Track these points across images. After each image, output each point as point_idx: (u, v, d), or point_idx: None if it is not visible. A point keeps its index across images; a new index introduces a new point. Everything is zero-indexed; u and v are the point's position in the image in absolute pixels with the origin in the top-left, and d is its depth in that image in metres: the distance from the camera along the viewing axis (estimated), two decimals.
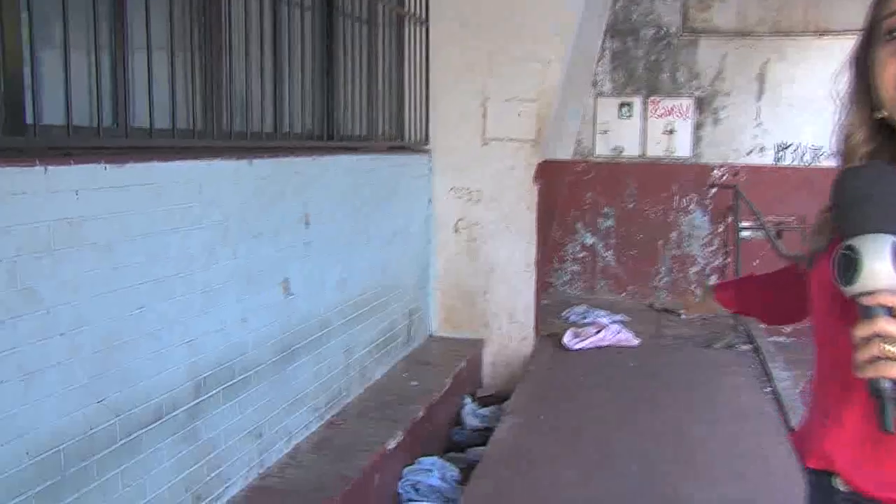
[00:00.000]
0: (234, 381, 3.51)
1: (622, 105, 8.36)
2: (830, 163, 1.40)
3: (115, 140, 2.84)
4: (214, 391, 3.36)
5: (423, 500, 4.35)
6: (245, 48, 3.75)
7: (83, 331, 2.59)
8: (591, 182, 8.44)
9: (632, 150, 8.34)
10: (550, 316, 7.26)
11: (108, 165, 2.66)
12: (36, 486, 2.41)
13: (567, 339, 6.37)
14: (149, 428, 2.92)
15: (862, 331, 1.11)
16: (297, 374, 4.11)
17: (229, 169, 3.45)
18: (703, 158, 8.25)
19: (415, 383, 5.24)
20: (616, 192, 8.42)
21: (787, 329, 8.07)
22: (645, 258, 8.42)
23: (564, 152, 8.22)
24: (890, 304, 1.11)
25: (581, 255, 8.56)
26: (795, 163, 8.08)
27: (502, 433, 4.79)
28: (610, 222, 8.47)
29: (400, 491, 4.39)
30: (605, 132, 8.37)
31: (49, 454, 2.46)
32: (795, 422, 4.91)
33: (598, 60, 8.33)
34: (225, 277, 3.44)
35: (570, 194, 8.30)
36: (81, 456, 2.59)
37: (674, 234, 8.35)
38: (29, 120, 2.54)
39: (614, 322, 6.76)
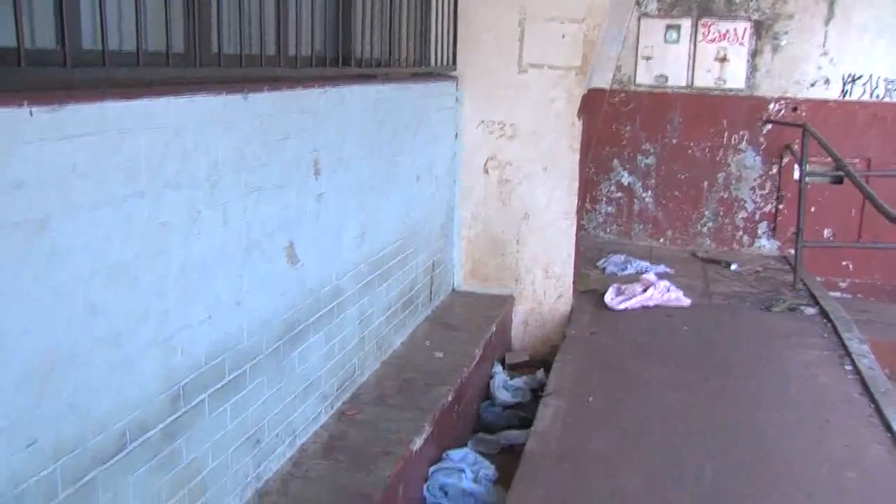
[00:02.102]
0: (225, 381, 2.73)
1: (669, 28, 7.37)
2: None
3: (47, 71, 1.98)
4: (198, 399, 2.58)
5: None
6: None
7: (2, 349, 1.79)
8: (631, 114, 7.54)
9: (678, 79, 7.40)
10: (585, 265, 6.46)
11: (34, 108, 1.82)
12: None
13: (610, 297, 5.59)
14: (108, 464, 2.15)
15: None
16: (304, 359, 3.34)
17: (217, 106, 2.61)
18: (758, 90, 7.31)
19: (439, 355, 4.47)
20: (658, 126, 7.51)
21: (844, 284, 7.32)
22: (687, 201, 7.57)
23: (601, 79, 7.31)
24: None
25: (617, 195, 7.71)
26: (865, 97, 7.16)
27: (545, 422, 4.04)
28: (650, 160, 7.59)
29: (426, 494, 3.66)
30: (649, 58, 7.42)
31: None
32: (890, 412, 4.16)
33: None
34: (213, 250, 2.63)
35: (607, 127, 7.40)
36: None
37: (721, 175, 7.48)
38: None
39: (662, 278, 5.95)
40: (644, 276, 5.92)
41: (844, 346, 5.05)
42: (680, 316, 5.56)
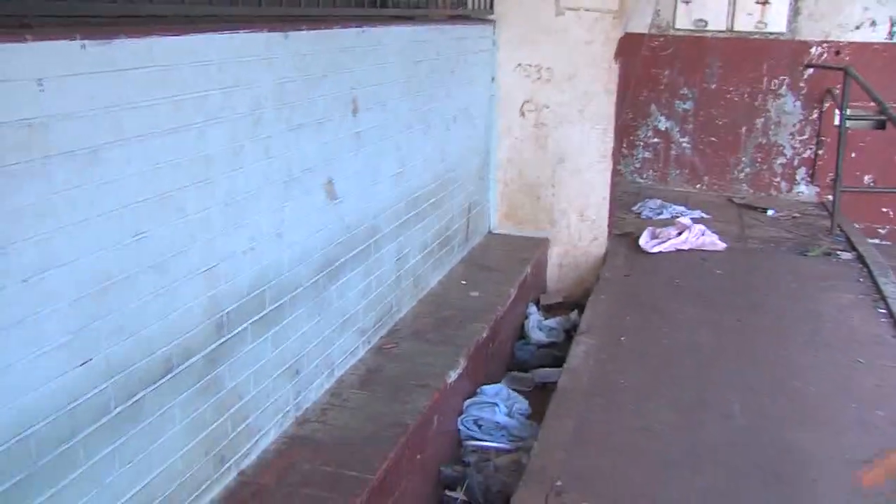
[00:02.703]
0: (266, 311, 2.83)
1: None
2: None
3: (96, 6, 2.05)
4: (241, 327, 2.69)
5: (486, 439, 3.74)
6: None
7: (55, 273, 1.89)
8: (669, 59, 7.46)
9: (718, 23, 7.29)
10: (621, 209, 6.48)
11: (86, 42, 1.90)
12: None
13: (644, 240, 5.62)
14: (154, 386, 2.26)
15: None
16: (343, 294, 3.43)
17: (259, 44, 2.67)
18: (800, 34, 7.18)
19: (475, 294, 4.55)
20: (697, 70, 7.42)
21: (884, 231, 7.26)
22: (725, 146, 7.51)
23: (639, 23, 7.25)
24: None
25: (653, 140, 7.66)
26: None
27: (578, 359, 4.11)
28: (688, 105, 7.52)
29: (461, 427, 3.77)
30: (688, 2, 7.32)
31: (12, 444, 1.80)
32: None
33: None
34: (255, 183, 2.71)
35: (645, 72, 7.34)
36: (60, 439, 1.93)
37: (760, 121, 7.39)
38: None
39: (696, 222, 5.95)
40: (679, 219, 5.93)
41: (879, 291, 5.05)
42: (714, 259, 5.57)
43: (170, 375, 2.32)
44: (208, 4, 2.50)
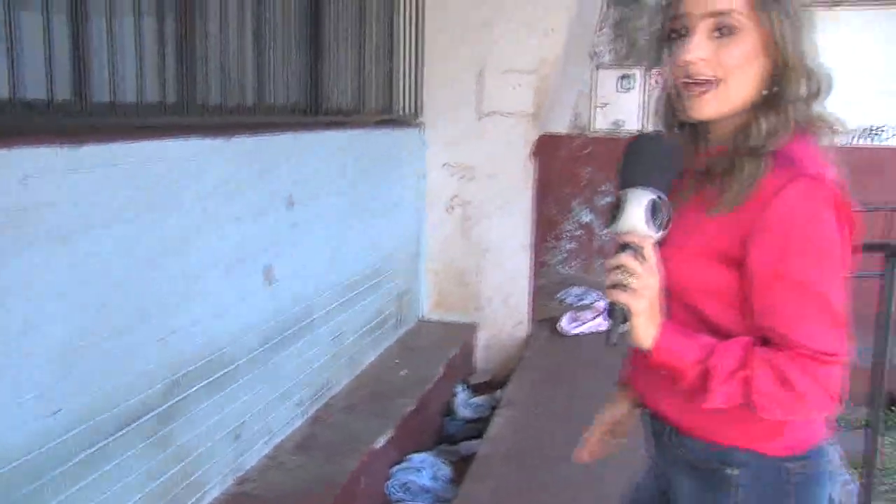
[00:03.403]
0: (212, 378, 3.23)
1: (622, 77, 8.02)
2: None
3: (72, 118, 2.52)
4: (189, 391, 3.07)
5: (413, 501, 4.10)
6: (224, 11, 3.41)
7: (35, 335, 2.29)
8: (589, 157, 8.11)
9: (632, 124, 8.01)
10: (546, 297, 6.98)
11: (61, 147, 2.35)
12: None
13: (564, 323, 6.10)
14: (114, 437, 2.64)
15: (612, 262, 1.38)
16: (282, 366, 3.83)
17: (206, 147, 3.14)
18: None
19: (405, 372, 4.96)
20: (615, 168, 8.05)
21: None
22: None
23: (560, 125, 7.92)
24: (636, 243, 1.36)
25: (577, 233, 8.25)
26: None
27: (498, 427, 4.53)
28: (608, 199, 8.15)
29: (389, 491, 4.13)
30: (605, 105, 8.03)
31: None
32: None
33: (598, 30, 7.98)
34: (203, 266, 3.14)
35: (567, 170, 7.98)
36: (32, 477, 2.30)
37: None
38: None
39: None
40: (596, 303, 6.44)
41: None
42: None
43: (128, 428, 2.70)
44: (163, 114, 2.97)
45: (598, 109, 8.05)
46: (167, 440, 2.94)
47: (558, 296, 7.22)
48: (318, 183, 4.16)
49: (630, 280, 1.35)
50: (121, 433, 2.67)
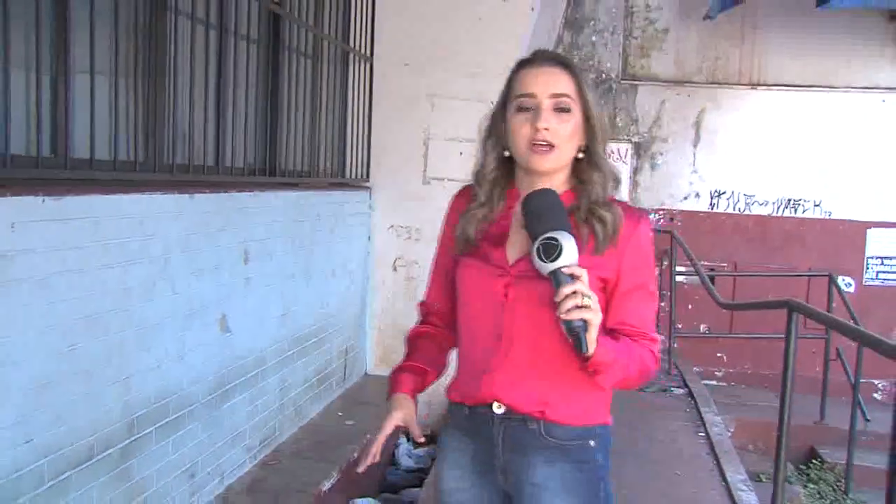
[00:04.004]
0: (169, 419, 3.44)
1: None
2: (763, 210, 1.85)
3: (54, 172, 2.78)
4: (148, 430, 3.28)
5: None
6: (189, 78, 3.71)
7: (13, 369, 2.51)
8: None
9: None
10: None
11: (46, 198, 2.60)
12: None
13: None
14: (79, 468, 2.84)
15: (568, 289, 1.65)
16: (233, 413, 4.04)
17: (170, 203, 3.40)
18: (640, 203, 8.39)
19: (350, 422, 5.18)
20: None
21: (720, 373, 8.25)
22: None
23: None
24: (578, 274, 1.68)
25: None
26: (729, 209, 8.28)
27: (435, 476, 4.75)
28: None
29: None
30: None
31: None
32: (729, 466, 4.99)
33: None
34: (163, 314, 3.37)
35: None
36: (9, 499, 2.49)
37: None
38: None
39: None
40: None
41: (702, 419, 5.91)
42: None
43: (91, 461, 2.90)
44: (134, 171, 3.23)
45: None
46: (128, 474, 3.14)
47: None
48: (272, 240, 4.43)
49: (587, 300, 1.66)
50: (87, 464, 2.87)
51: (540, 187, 1.84)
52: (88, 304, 2.87)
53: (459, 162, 6.11)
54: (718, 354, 8.30)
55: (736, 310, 5.82)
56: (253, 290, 4.21)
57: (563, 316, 1.67)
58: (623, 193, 8.40)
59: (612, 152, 8.41)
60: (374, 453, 2.03)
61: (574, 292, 1.66)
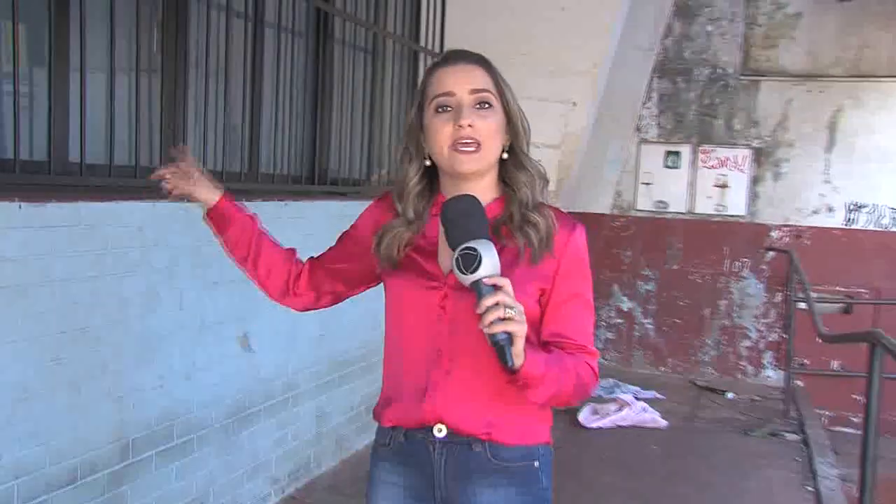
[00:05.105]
0: (173, 443, 3.61)
1: (669, 154, 8.40)
2: None
3: (35, 178, 3.00)
4: (147, 454, 3.46)
5: None
6: (216, 73, 3.91)
7: None
8: (631, 239, 8.47)
9: (678, 204, 8.37)
10: None
11: (22, 204, 2.81)
12: None
13: (584, 415, 6.37)
14: (59, 491, 3.03)
15: (489, 301, 1.70)
16: (254, 440, 4.20)
17: (178, 210, 3.59)
18: (759, 217, 8.23)
19: None
20: (658, 251, 8.43)
21: (856, 419, 7.97)
22: (689, 328, 8.39)
23: (601, 204, 8.31)
24: (501, 284, 1.73)
25: (616, 321, 8.56)
26: (871, 226, 8.01)
27: None
28: (650, 286, 8.47)
29: None
30: (649, 184, 8.41)
31: None
32: None
33: (644, 102, 8.41)
34: (167, 328, 3.56)
35: (606, 252, 8.34)
36: None
37: (723, 302, 8.31)
38: None
39: (640, 399, 6.74)
40: (620, 395, 6.70)
41: (812, 470, 5.75)
42: (654, 435, 6.31)
43: (74, 484, 3.09)
44: (133, 177, 3.44)
45: (641, 187, 8.42)
46: (119, 501, 3.33)
47: None
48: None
49: (511, 312, 1.71)
50: (68, 487, 3.07)
51: (465, 193, 1.90)
52: (77, 316, 3.07)
53: None
54: (855, 397, 8.02)
55: (828, 342, 5.66)
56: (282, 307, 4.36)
57: (485, 329, 1.73)
58: (740, 206, 8.26)
59: (728, 159, 8.29)
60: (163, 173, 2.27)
61: (496, 304, 1.71)
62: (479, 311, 1.73)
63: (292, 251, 2.47)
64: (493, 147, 1.97)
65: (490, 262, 1.76)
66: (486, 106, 1.96)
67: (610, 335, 8.58)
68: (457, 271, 1.78)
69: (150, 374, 3.47)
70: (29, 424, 2.90)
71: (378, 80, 5.64)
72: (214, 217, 2.36)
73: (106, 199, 3.20)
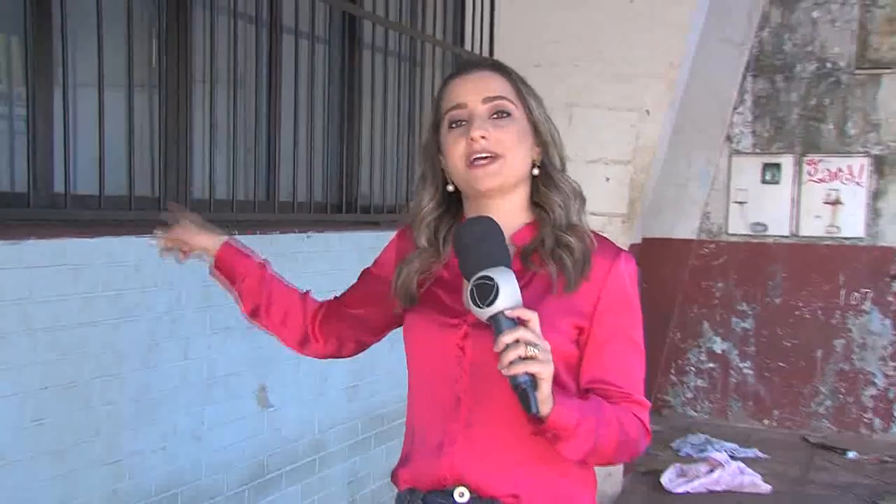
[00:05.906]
0: None
1: (767, 167, 8.33)
2: None
3: (13, 212, 3.10)
4: None
5: None
6: (213, 85, 3.99)
7: None
8: (723, 268, 8.40)
9: (779, 226, 8.28)
10: (658, 445, 7.22)
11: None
12: None
13: (668, 478, 6.33)
14: None
15: (508, 337, 1.70)
16: None
17: None
18: (883, 239, 8.09)
19: None
20: (757, 282, 8.35)
21: None
22: (797, 373, 8.28)
23: (686, 228, 8.27)
24: (525, 317, 1.73)
25: (708, 365, 8.48)
26: None
27: None
28: (748, 323, 8.38)
29: None
30: (743, 203, 8.35)
31: None
32: None
33: (735, 107, 8.36)
34: (175, 381, 3.64)
35: (694, 284, 8.29)
36: None
37: (839, 342, 8.19)
38: None
39: (737, 458, 6.67)
40: (712, 454, 6.64)
41: None
42: (754, 503, 6.23)
43: None
44: (128, 209, 3.54)
45: (734, 207, 8.37)
46: None
47: (673, 444, 7.43)
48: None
49: (534, 351, 1.70)
50: None
51: (483, 215, 1.92)
52: (63, 369, 3.15)
53: (607, 191, 6.19)
54: None
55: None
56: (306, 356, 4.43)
57: (503, 371, 1.72)
58: (857, 226, 8.15)
59: (840, 170, 8.19)
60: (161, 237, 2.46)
61: (516, 341, 1.71)
62: (496, 349, 1.72)
63: (308, 294, 2.54)
64: (516, 160, 1.98)
65: (509, 291, 1.75)
66: (504, 115, 1.99)
67: (700, 382, 8.51)
68: (471, 305, 1.78)
69: (151, 435, 3.55)
70: (5, 495, 2.97)
71: (416, 90, 5.72)
72: (223, 269, 2.54)
73: (96, 234, 3.30)
